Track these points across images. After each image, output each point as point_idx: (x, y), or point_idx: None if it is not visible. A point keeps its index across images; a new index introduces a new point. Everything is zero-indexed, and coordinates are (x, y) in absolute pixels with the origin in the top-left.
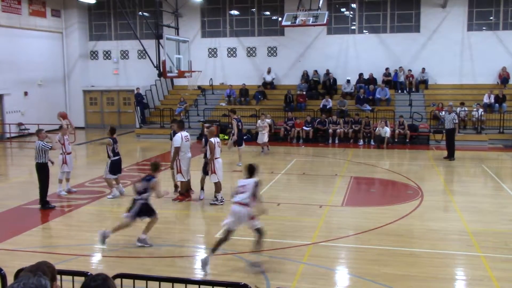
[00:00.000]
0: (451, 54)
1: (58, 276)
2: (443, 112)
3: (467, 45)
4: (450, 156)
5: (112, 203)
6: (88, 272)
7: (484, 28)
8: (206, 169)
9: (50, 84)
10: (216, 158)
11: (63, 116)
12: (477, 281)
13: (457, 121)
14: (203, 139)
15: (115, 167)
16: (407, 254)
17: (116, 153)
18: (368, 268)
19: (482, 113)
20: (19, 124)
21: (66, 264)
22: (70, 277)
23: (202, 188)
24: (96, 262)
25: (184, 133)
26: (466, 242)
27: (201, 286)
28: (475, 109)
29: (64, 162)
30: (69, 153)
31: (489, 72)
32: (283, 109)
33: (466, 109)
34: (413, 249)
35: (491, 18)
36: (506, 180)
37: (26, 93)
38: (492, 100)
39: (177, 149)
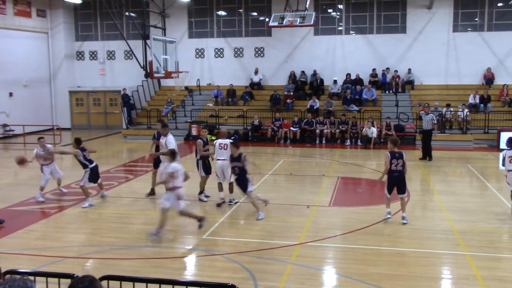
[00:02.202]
0: (436, 55)
1: (44, 279)
2: (422, 112)
3: (452, 46)
4: (429, 157)
5: (100, 205)
6: (74, 274)
7: (469, 29)
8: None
9: (36, 84)
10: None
11: (20, 161)
12: (463, 280)
13: (435, 122)
14: (201, 140)
15: (94, 175)
16: (394, 253)
17: (90, 160)
18: (356, 267)
19: (468, 113)
20: (4, 126)
21: (52, 266)
22: (56, 280)
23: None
24: (82, 264)
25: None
26: (452, 241)
27: (188, 287)
28: (460, 110)
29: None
30: (45, 164)
31: (474, 72)
32: (270, 110)
33: (452, 109)
34: (400, 248)
35: (476, 19)
36: (491, 180)
37: (11, 94)
38: (477, 101)
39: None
